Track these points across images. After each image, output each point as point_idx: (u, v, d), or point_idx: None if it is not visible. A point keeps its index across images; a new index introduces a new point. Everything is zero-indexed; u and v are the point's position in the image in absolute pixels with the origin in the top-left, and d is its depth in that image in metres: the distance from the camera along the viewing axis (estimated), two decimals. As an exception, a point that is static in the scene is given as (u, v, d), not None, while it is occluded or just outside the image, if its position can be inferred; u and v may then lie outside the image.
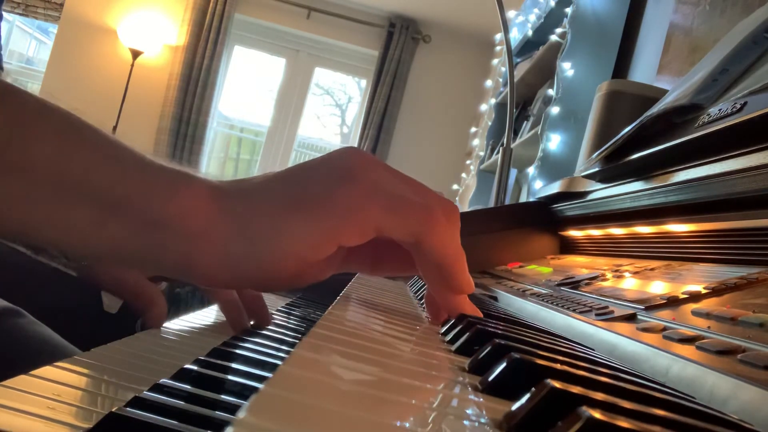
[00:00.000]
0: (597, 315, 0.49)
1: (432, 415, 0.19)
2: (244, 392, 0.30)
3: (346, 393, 0.19)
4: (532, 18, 2.74)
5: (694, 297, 0.45)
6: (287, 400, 0.16)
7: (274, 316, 0.55)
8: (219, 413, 0.26)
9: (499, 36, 3.18)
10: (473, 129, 4.11)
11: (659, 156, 0.68)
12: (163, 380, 0.29)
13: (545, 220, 1.08)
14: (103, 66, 4.37)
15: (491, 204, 2.00)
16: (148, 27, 4.32)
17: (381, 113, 4.46)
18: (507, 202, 2.16)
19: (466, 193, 3.64)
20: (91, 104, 4.01)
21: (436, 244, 0.35)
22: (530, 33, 2.77)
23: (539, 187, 1.86)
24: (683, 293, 0.46)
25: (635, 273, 0.63)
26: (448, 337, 0.35)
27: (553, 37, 2.28)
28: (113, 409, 0.24)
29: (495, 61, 3.91)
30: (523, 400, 0.19)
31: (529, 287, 0.75)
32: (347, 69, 4.85)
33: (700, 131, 0.60)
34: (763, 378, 0.27)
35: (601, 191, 0.87)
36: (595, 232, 0.90)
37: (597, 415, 0.15)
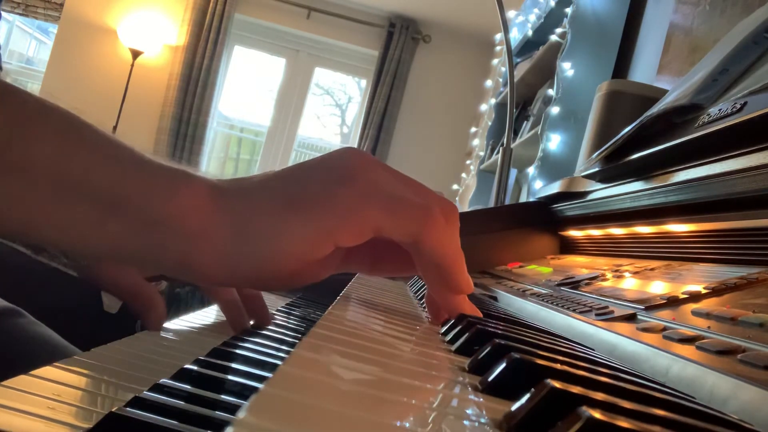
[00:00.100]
0: (597, 315, 0.49)
1: (432, 415, 0.19)
2: (244, 392, 0.30)
3: (346, 393, 0.19)
4: (532, 18, 2.74)
5: (694, 297, 0.45)
6: (287, 400, 0.16)
7: (274, 316, 0.55)
8: (219, 413, 0.26)
9: (499, 36, 3.18)
10: (473, 129, 4.11)
11: (659, 156, 0.68)
12: (163, 380, 0.29)
13: (545, 220, 1.08)
14: (103, 66, 4.37)
15: (491, 204, 2.00)
16: (148, 27, 4.32)
17: (381, 113, 4.46)
18: (507, 202, 2.16)
19: (466, 193, 3.64)
20: (91, 104, 4.01)
21: (435, 244, 0.35)
22: (530, 33, 2.77)
23: (539, 187, 1.86)
24: (683, 293, 0.46)
25: (635, 273, 0.63)
26: (448, 337, 0.35)
27: (553, 37, 2.28)
28: (113, 409, 0.24)
29: (495, 61, 3.91)
30: (523, 400, 0.19)
31: (529, 287, 0.75)
32: (347, 69, 4.85)
33: (700, 131, 0.60)
34: (763, 378, 0.27)
35: (601, 191, 0.87)
36: (595, 232, 0.90)
37: (597, 415, 0.15)
